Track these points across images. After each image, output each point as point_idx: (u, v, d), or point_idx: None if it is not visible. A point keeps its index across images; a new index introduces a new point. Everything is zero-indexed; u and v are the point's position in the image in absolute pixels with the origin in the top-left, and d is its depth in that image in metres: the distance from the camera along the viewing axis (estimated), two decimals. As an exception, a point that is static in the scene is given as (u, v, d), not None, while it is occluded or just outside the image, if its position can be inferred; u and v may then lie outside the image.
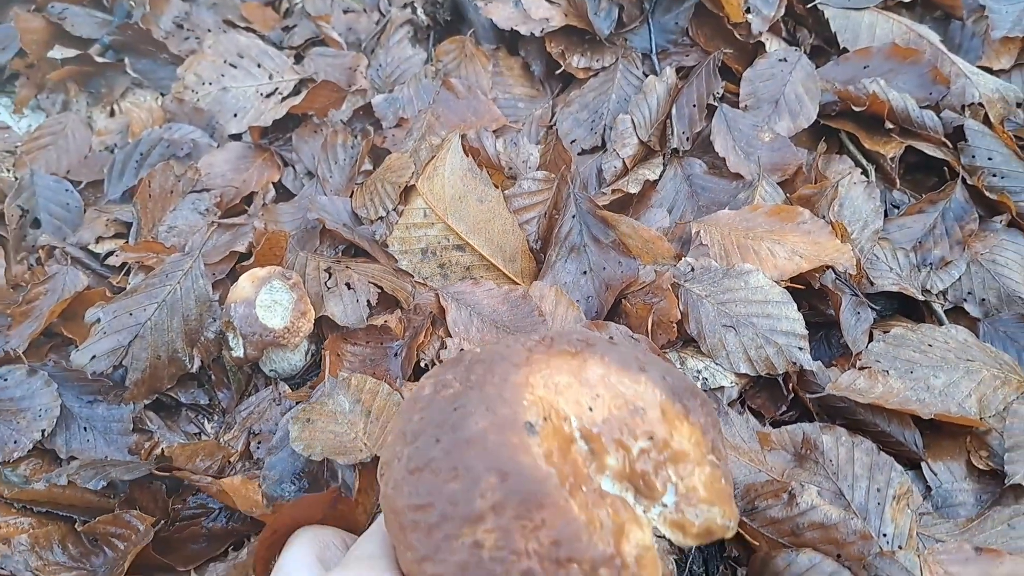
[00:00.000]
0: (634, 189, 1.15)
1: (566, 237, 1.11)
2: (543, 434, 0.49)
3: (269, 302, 1.01)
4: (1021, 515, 0.83)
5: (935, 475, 0.89)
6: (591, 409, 0.53)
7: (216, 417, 1.06)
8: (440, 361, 1.01)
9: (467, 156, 1.11)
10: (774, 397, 0.98)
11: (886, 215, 1.16)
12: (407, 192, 1.14)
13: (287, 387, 1.04)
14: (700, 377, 0.98)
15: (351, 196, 1.21)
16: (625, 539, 0.50)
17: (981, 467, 0.89)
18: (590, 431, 0.52)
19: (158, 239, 1.16)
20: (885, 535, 0.81)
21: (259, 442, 1.00)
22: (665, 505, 0.54)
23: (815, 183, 1.14)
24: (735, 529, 0.56)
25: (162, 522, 0.89)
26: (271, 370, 1.05)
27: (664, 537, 0.54)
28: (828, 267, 1.04)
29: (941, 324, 1.05)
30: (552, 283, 1.09)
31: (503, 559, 0.45)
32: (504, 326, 1.04)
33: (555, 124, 1.31)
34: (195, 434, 1.04)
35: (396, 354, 1.05)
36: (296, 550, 0.64)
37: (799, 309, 0.99)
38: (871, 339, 1.02)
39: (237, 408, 1.04)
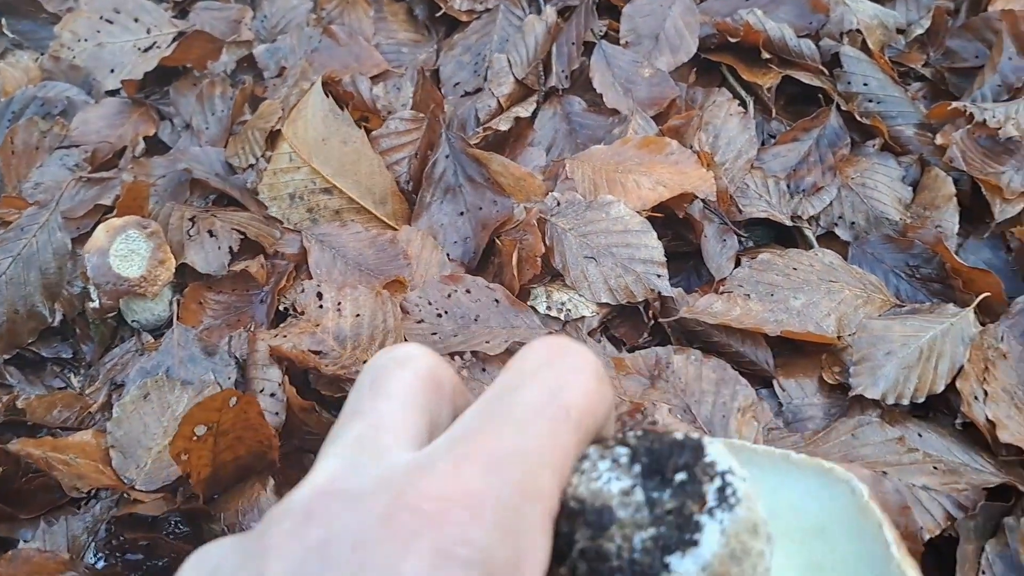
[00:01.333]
0: (504, 127, 1.13)
1: (440, 178, 1.10)
2: None
3: (125, 251, 0.99)
4: (864, 425, 0.83)
5: (785, 391, 0.89)
6: None
7: (82, 371, 1.04)
8: (297, 310, 0.98)
9: (328, 97, 1.09)
10: (636, 326, 0.97)
11: (763, 145, 1.16)
12: (274, 137, 1.12)
13: (150, 337, 1.02)
14: (564, 309, 0.97)
15: (225, 146, 1.18)
16: None
17: (831, 382, 0.89)
18: None
19: (22, 196, 1.14)
20: (728, 451, 0.81)
21: (120, 395, 0.98)
22: None
23: (685, 114, 1.13)
24: None
25: (9, 472, 0.87)
26: (134, 321, 1.03)
27: None
28: (694, 196, 1.04)
29: (811, 248, 1.05)
30: (428, 224, 1.08)
31: None
32: (368, 269, 1.02)
33: (438, 67, 1.29)
34: (61, 388, 1.02)
35: (262, 300, 1.04)
36: (410, 377, 0.35)
37: (665, 240, 0.99)
38: (738, 266, 1.01)
39: (101, 360, 1.02)
